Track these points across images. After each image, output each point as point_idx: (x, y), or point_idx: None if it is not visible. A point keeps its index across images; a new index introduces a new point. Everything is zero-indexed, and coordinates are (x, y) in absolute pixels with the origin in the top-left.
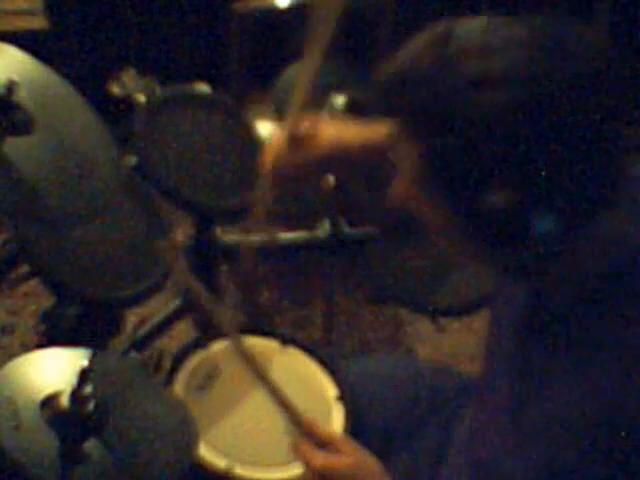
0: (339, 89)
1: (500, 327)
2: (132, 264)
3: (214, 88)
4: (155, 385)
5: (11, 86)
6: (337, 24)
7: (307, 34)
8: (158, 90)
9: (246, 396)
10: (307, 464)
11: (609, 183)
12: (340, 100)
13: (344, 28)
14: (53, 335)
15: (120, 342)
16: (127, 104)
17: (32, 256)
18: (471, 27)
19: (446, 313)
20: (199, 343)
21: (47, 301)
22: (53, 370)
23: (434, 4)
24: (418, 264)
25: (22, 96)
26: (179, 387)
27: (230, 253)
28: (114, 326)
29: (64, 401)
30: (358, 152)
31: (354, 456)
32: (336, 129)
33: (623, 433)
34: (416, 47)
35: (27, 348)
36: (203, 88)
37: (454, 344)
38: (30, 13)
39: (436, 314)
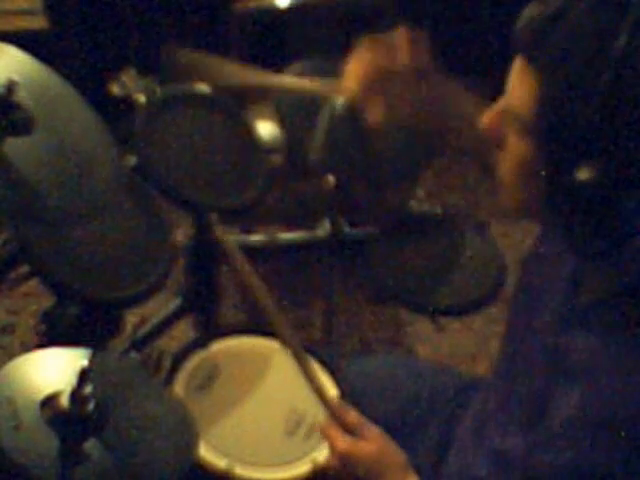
0: None
1: (532, 313)
2: (132, 264)
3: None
4: (155, 385)
5: (11, 86)
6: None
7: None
8: (158, 90)
9: (246, 396)
10: (332, 446)
11: None
12: (340, 100)
13: (344, 28)
14: (53, 335)
15: (120, 342)
16: (127, 104)
17: (32, 256)
18: None
19: (446, 313)
20: (199, 343)
21: (47, 301)
22: (53, 370)
23: (434, 4)
24: (418, 264)
25: (22, 96)
26: (179, 387)
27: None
28: (114, 326)
29: (64, 401)
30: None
31: (378, 444)
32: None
33: None
34: None
35: (27, 348)
36: (203, 88)
37: (454, 344)
38: (30, 13)
39: (436, 314)
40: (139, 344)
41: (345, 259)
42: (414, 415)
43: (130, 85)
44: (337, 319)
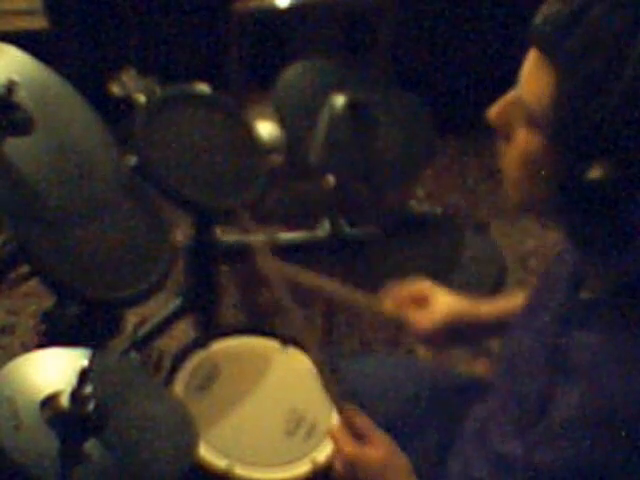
0: (339, 89)
1: (532, 312)
2: (132, 264)
3: (214, 88)
4: (155, 385)
5: (11, 86)
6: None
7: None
8: (158, 90)
9: (246, 396)
10: (339, 450)
11: None
12: (340, 100)
13: (344, 28)
14: (53, 335)
15: (120, 342)
16: (127, 104)
17: (32, 256)
18: None
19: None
20: (199, 343)
21: (47, 301)
22: (53, 370)
23: (434, 4)
24: (418, 264)
25: (22, 96)
26: (179, 387)
27: (230, 253)
28: (114, 326)
29: (64, 401)
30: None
31: (385, 451)
32: (453, 298)
33: None
34: None
35: (27, 348)
36: (203, 88)
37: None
38: (30, 13)
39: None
40: (139, 344)
41: (345, 259)
42: (414, 415)
43: (130, 85)
44: (337, 319)
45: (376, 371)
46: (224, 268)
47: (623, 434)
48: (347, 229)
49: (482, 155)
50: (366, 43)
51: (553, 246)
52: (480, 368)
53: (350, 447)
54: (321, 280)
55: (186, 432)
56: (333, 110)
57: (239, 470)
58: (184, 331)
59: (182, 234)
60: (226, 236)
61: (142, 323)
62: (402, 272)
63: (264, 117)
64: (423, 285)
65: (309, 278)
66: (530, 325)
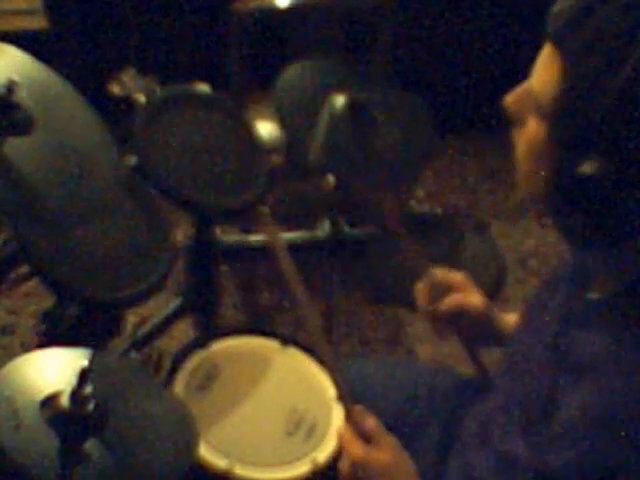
0: (339, 89)
1: (534, 313)
2: (132, 264)
3: (214, 88)
4: (155, 385)
5: (11, 86)
6: None
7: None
8: (158, 90)
9: (246, 396)
10: (346, 452)
11: None
12: (340, 100)
13: (344, 28)
14: (53, 335)
15: (120, 342)
16: (127, 104)
17: (32, 256)
18: None
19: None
20: (199, 343)
21: (47, 301)
22: (53, 370)
23: (434, 4)
24: (418, 264)
25: (22, 96)
26: (179, 387)
27: (230, 253)
28: (114, 326)
29: (64, 401)
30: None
31: (392, 453)
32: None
33: None
34: None
35: (27, 348)
36: (203, 88)
37: (454, 344)
38: (30, 13)
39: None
40: (139, 344)
41: (345, 259)
42: (413, 415)
43: (130, 85)
44: (337, 319)
45: (376, 371)
46: (224, 268)
47: (626, 435)
48: (347, 229)
49: (482, 155)
50: (366, 43)
51: (553, 246)
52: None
53: (357, 449)
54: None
55: (186, 432)
56: (333, 110)
57: (239, 470)
58: (184, 331)
59: (182, 234)
60: (226, 236)
61: (142, 323)
62: (402, 272)
63: (264, 117)
64: (458, 276)
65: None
66: (531, 325)
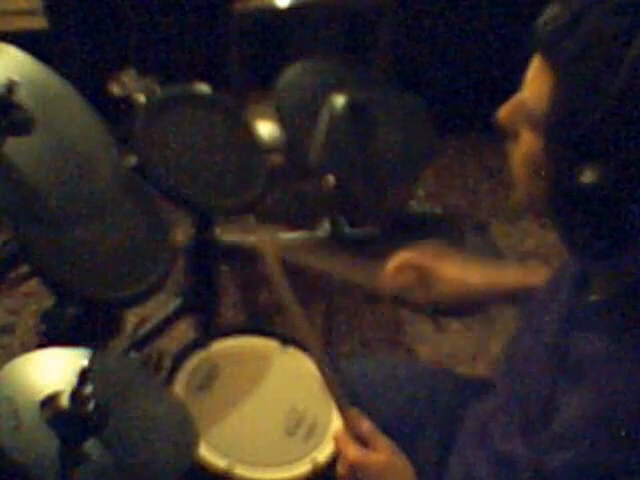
0: (339, 89)
1: (534, 314)
2: (132, 264)
3: (214, 88)
4: (155, 385)
5: (11, 86)
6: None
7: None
8: (158, 90)
9: (246, 396)
10: (343, 455)
11: None
12: (340, 100)
13: (344, 28)
14: (53, 335)
15: (120, 342)
16: (127, 104)
17: (32, 256)
18: None
19: (446, 313)
20: (199, 343)
21: (47, 301)
22: (53, 370)
23: (434, 4)
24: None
25: (22, 96)
26: (179, 387)
27: (230, 253)
28: (114, 326)
29: (64, 401)
30: (482, 295)
31: (388, 455)
32: (459, 270)
33: None
34: None
35: (27, 348)
36: (203, 88)
37: (454, 344)
38: (30, 13)
39: (436, 314)
40: (139, 344)
41: (345, 259)
42: (413, 416)
43: (130, 85)
44: (337, 319)
45: (376, 371)
46: (224, 268)
47: (625, 435)
48: (347, 229)
49: (482, 155)
50: (366, 43)
51: (553, 246)
52: (480, 368)
53: (354, 451)
54: (319, 258)
55: (186, 432)
56: (333, 110)
57: (239, 470)
58: (184, 331)
59: (182, 234)
60: (226, 236)
61: (142, 323)
62: None
63: (264, 117)
64: (425, 258)
65: (308, 259)
66: (531, 325)
